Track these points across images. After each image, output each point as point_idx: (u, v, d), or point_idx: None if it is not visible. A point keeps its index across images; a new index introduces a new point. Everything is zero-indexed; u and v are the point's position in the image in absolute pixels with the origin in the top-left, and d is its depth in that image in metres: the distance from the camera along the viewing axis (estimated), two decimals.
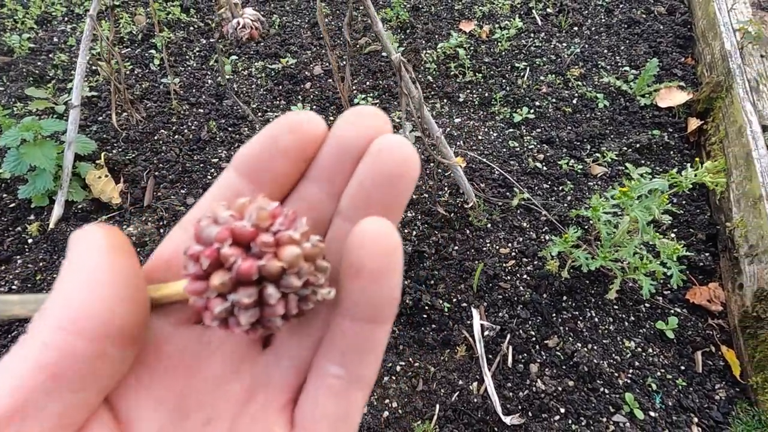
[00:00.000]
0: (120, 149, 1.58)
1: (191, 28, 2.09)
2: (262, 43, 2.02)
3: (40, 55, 1.94)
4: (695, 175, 0.97)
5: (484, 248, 1.32)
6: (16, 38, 1.94)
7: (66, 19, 2.15)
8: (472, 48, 1.96)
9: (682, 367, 1.11)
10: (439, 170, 1.49)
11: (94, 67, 1.86)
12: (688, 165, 1.00)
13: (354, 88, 1.84)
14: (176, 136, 1.64)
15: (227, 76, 1.87)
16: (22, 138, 1.31)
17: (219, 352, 0.21)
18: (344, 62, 0.88)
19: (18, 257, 1.31)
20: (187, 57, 1.96)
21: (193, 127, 1.67)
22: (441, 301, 1.21)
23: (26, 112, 1.67)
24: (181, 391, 0.20)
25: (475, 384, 1.09)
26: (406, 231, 1.36)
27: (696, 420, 1.02)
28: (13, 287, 1.23)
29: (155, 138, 1.63)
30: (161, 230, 1.38)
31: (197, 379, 0.21)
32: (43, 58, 1.92)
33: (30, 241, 1.35)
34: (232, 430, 0.20)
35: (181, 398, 0.20)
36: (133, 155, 1.57)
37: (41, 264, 1.29)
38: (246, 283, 0.19)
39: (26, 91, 1.68)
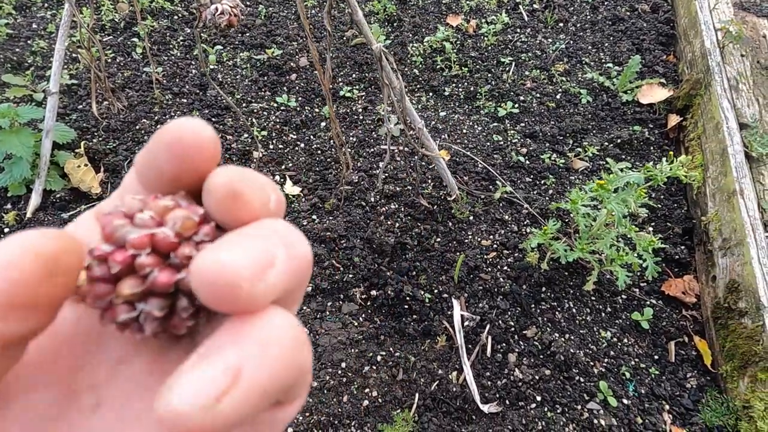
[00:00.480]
0: (101, 138, 1.56)
1: (175, 17, 2.06)
2: (247, 33, 2.00)
3: (19, 41, 1.89)
4: (670, 169, 0.99)
5: (466, 240, 1.33)
6: None
7: (46, 5, 2.10)
8: (458, 42, 1.97)
9: (656, 357, 1.14)
10: (423, 163, 1.50)
11: (74, 55, 1.82)
12: (663, 159, 1.02)
13: (340, 80, 1.84)
14: (158, 126, 1.61)
15: (211, 66, 1.85)
16: None
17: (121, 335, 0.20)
18: (327, 51, 0.88)
19: None
20: (171, 46, 1.93)
21: (176, 117, 1.65)
22: (422, 292, 1.22)
23: (3, 99, 1.63)
24: (75, 372, 0.19)
25: (454, 373, 1.10)
26: (389, 222, 1.36)
27: (667, 407, 1.05)
28: None
29: (137, 128, 1.60)
30: None
31: (96, 359, 0.19)
32: (22, 45, 1.88)
33: (6, 230, 1.33)
34: (121, 415, 0.18)
35: (74, 380, 0.19)
36: (114, 144, 1.55)
37: None
38: (159, 294, 0.18)
39: (3, 78, 1.64)
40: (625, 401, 1.04)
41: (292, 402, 0.19)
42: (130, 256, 0.17)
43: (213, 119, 1.66)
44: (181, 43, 1.95)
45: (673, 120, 1.65)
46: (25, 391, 0.18)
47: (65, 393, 0.19)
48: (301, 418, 1.03)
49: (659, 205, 1.42)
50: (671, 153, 1.07)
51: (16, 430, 0.18)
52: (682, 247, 1.35)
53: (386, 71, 0.91)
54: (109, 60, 1.83)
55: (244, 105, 1.72)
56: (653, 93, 1.73)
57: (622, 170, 1.13)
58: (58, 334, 0.19)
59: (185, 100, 1.71)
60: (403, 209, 1.40)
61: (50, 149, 1.36)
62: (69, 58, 1.81)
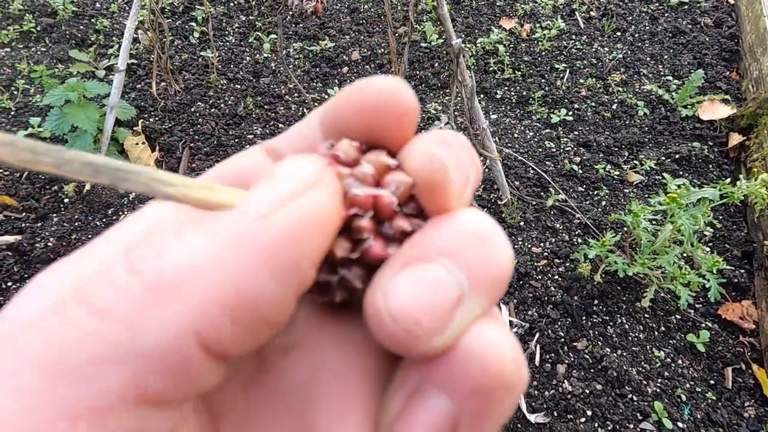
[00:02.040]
0: (157, 118, 1.59)
1: (231, 4, 2.09)
2: (301, 25, 2.01)
3: (83, 19, 1.95)
4: (748, 188, 0.95)
5: (516, 246, 1.31)
6: (60, 1, 1.96)
7: None
8: (511, 45, 1.94)
9: (712, 382, 1.10)
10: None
11: (134, 36, 1.87)
12: (741, 177, 0.98)
13: (391, 76, 1.83)
14: (213, 110, 1.64)
15: (265, 54, 1.87)
16: (67, 98, 1.32)
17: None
18: (407, 45, 0.87)
19: (54, 215, 1.32)
20: (227, 32, 1.96)
21: (229, 102, 1.68)
22: None
23: (67, 74, 1.68)
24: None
25: None
26: None
27: None
28: (49, 244, 1.25)
29: (192, 110, 1.63)
30: None
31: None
32: (86, 23, 1.93)
33: (66, 200, 1.37)
34: (317, 368, 0.16)
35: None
36: (170, 125, 1.58)
37: (77, 224, 1.30)
38: (364, 264, 0.16)
39: (70, 53, 1.69)
40: (680, 425, 1.01)
41: None
42: (351, 215, 0.15)
43: (265, 106, 1.68)
44: (236, 30, 1.98)
45: (735, 139, 1.59)
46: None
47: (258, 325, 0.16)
48: None
49: (719, 226, 1.37)
50: (754, 170, 1.03)
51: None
52: (742, 271, 1.29)
53: (462, 67, 0.90)
54: (168, 43, 1.87)
55: (296, 95, 1.73)
56: (715, 110, 1.68)
57: (680, 187, 1.10)
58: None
59: (239, 86, 1.74)
60: None
61: (112, 125, 1.40)
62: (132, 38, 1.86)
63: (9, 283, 1.18)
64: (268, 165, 0.20)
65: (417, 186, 0.16)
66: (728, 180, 1.23)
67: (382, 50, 1.91)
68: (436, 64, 1.88)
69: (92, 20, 1.94)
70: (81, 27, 1.90)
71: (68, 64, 1.73)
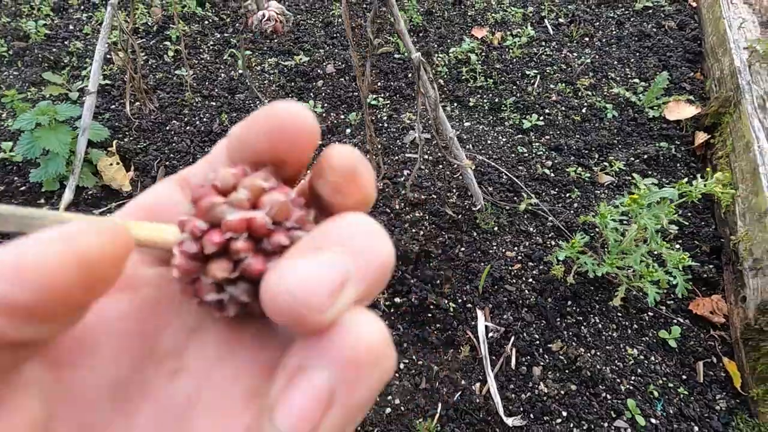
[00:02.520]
0: (132, 138, 1.59)
1: (206, 22, 2.11)
2: (275, 40, 2.03)
3: (56, 41, 1.95)
4: (705, 186, 0.98)
5: (491, 251, 1.33)
6: (32, 24, 1.96)
7: (82, 7, 2.17)
8: (483, 54, 1.98)
9: (684, 377, 1.12)
10: (448, 172, 1.51)
11: (108, 56, 1.87)
12: (698, 176, 1.01)
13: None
14: (188, 128, 1.65)
15: (239, 71, 1.89)
16: (37, 122, 1.32)
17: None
18: (363, 61, 0.90)
19: None
20: (201, 50, 1.97)
21: (205, 119, 1.68)
22: (446, 301, 1.21)
23: (40, 96, 1.68)
24: (157, 336, 0.18)
25: (477, 384, 1.09)
26: (413, 230, 1.37)
27: (696, 429, 1.03)
28: None
29: (167, 128, 1.64)
30: None
31: (175, 324, 0.19)
32: (59, 45, 1.93)
33: None
34: (201, 383, 0.18)
35: (156, 344, 0.18)
36: (145, 144, 1.58)
37: None
38: (248, 280, 0.17)
39: (43, 75, 1.69)
40: (653, 421, 1.03)
41: None
42: (226, 240, 0.17)
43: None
44: (211, 47, 1.99)
45: (701, 137, 1.64)
46: (93, 354, 0.17)
47: (146, 356, 0.18)
48: None
49: (687, 223, 1.40)
50: (708, 170, 1.06)
51: (91, 394, 0.17)
52: (710, 266, 1.33)
53: (423, 80, 0.92)
54: (142, 62, 1.87)
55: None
56: (680, 110, 1.72)
57: (655, 186, 1.13)
58: (142, 296, 0.19)
59: (214, 103, 1.75)
60: (427, 217, 1.40)
61: (85, 147, 1.39)
62: (104, 59, 1.86)
63: None
64: (179, 198, 0.21)
65: (324, 187, 0.19)
66: (699, 177, 1.27)
67: (358, 62, 1.94)
68: (409, 75, 1.91)
69: (65, 42, 1.94)
70: (54, 50, 1.90)
71: (41, 87, 1.73)
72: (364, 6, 2.26)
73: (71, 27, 2.04)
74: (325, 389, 0.15)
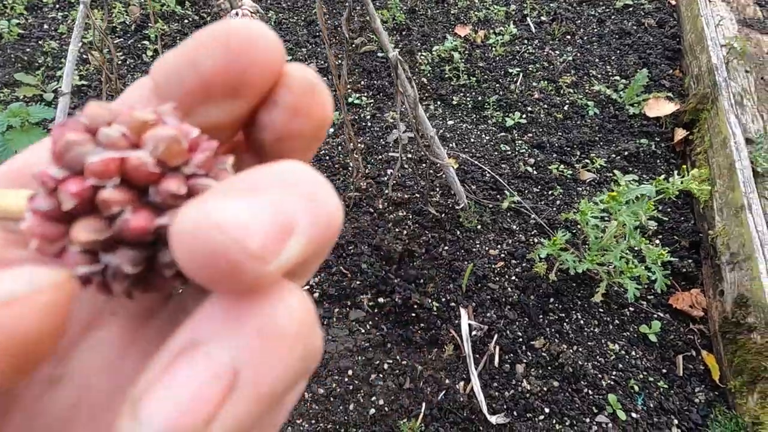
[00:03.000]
0: None
1: (185, 20, 2.07)
2: None
3: (30, 41, 1.90)
4: (681, 182, 0.99)
5: (474, 249, 1.33)
6: (4, 23, 1.90)
7: (57, 6, 2.12)
8: (466, 52, 1.98)
9: (664, 370, 1.13)
10: (431, 171, 1.50)
11: (84, 56, 1.83)
12: (675, 172, 1.02)
13: (349, 87, 1.85)
14: None
15: None
16: (9, 124, 1.28)
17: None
18: (341, 60, 0.89)
19: None
20: None
21: None
22: (430, 300, 1.21)
23: (13, 98, 1.64)
24: None
25: (461, 383, 1.09)
26: (397, 230, 1.36)
27: (676, 422, 1.04)
28: None
29: None
30: None
31: None
32: (33, 45, 1.88)
33: None
34: (84, 396, 0.15)
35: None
36: None
37: None
38: (132, 244, 0.13)
39: (15, 76, 1.65)
40: (634, 415, 1.04)
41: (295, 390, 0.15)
42: (89, 188, 0.13)
43: None
44: None
45: (680, 134, 1.66)
46: None
47: None
48: (307, 426, 1.02)
49: (666, 218, 1.42)
50: (684, 167, 1.08)
51: None
52: (690, 261, 1.35)
53: (401, 79, 0.92)
54: (120, 62, 1.83)
55: None
56: (660, 106, 1.75)
57: (633, 182, 1.14)
58: None
59: None
60: (411, 217, 1.40)
61: None
62: (79, 60, 1.82)
63: None
64: None
65: (297, 94, 0.15)
66: (676, 173, 1.28)
67: (339, 61, 1.93)
68: (405, 67, 1.90)
69: (39, 42, 1.90)
70: (27, 50, 1.85)
71: (14, 88, 1.68)
72: (345, 4, 2.24)
73: (45, 26, 1.99)
74: (226, 368, 0.11)
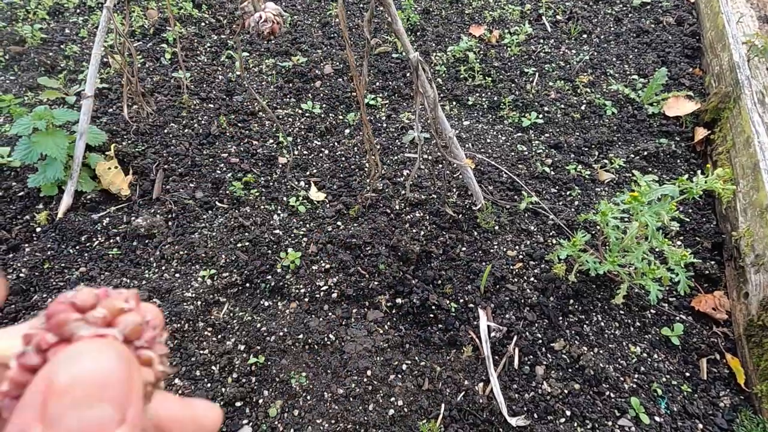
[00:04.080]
0: (130, 141, 1.59)
1: (202, 24, 2.10)
2: (273, 41, 2.03)
3: (52, 45, 1.94)
4: (706, 182, 0.97)
5: (492, 250, 1.33)
6: (28, 28, 1.95)
7: (78, 11, 2.16)
8: (481, 52, 1.97)
9: (687, 374, 1.11)
10: (448, 171, 1.50)
11: (104, 60, 1.86)
12: (699, 172, 1.01)
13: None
14: (186, 130, 1.64)
15: (237, 72, 1.88)
16: (34, 127, 1.31)
17: None
18: (359, 62, 0.89)
19: (26, 245, 1.31)
20: (198, 52, 1.96)
21: (203, 122, 1.68)
22: (448, 301, 1.21)
23: (37, 101, 1.67)
24: None
25: (480, 384, 1.09)
26: (414, 230, 1.36)
27: (701, 426, 1.02)
28: (21, 275, 1.23)
29: (165, 131, 1.63)
30: (169, 223, 1.39)
31: None
32: (55, 49, 1.92)
33: (38, 229, 1.35)
34: None
35: None
36: (143, 148, 1.57)
37: (49, 253, 1.29)
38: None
39: (39, 80, 1.68)
40: (657, 419, 1.02)
41: None
42: None
43: (239, 124, 1.69)
44: (208, 49, 1.98)
45: (701, 133, 1.63)
46: None
47: None
48: (327, 425, 1.02)
49: (688, 219, 1.40)
50: (707, 166, 1.06)
51: None
52: (712, 262, 1.32)
53: (422, 80, 0.92)
54: (139, 65, 1.86)
55: (268, 112, 1.74)
56: (679, 106, 1.72)
57: (654, 183, 1.12)
58: None
59: (212, 105, 1.74)
60: (428, 217, 1.39)
61: (83, 151, 1.39)
62: (100, 63, 1.85)
63: None
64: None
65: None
66: (699, 173, 1.26)
67: (355, 63, 1.94)
68: (408, 74, 1.90)
69: (61, 46, 1.94)
70: (50, 54, 1.89)
71: (38, 91, 1.72)
72: (362, 6, 2.25)
73: (67, 31, 2.03)
74: None
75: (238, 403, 1.05)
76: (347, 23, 2.13)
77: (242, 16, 0.82)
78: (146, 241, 1.33)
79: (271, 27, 0.81)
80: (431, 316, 1.19)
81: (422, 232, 1.36)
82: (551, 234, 1.38)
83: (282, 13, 0.83)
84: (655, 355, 1.14)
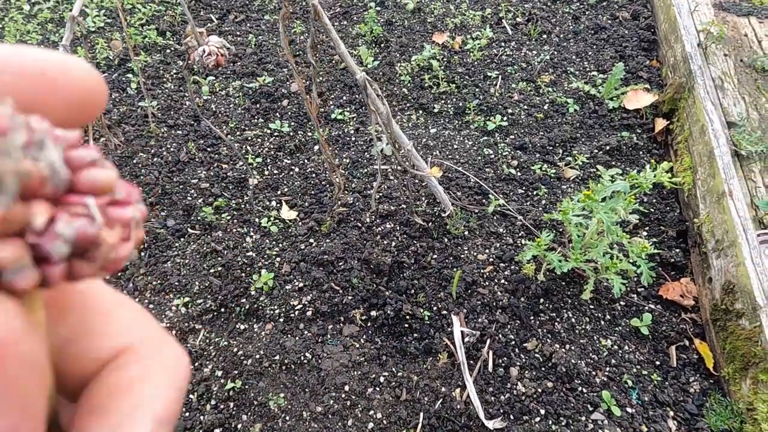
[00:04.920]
0: None
1: (167, 50, 2.11)
2: (238, 63, 2.04)
3: None
4: (654, 176, 1.01)
5: (462, 255, 1.35)
6: None
7: (42, 46, 2.16)
8: (445, 59, 2.01)
9: (657, 363, 1.14)
10: (416, 181, 1.52)
11: None
12: (646, 166, 1.04)
13: (331, 102, 1.87)
14: (155, 159, 1.65)
15: (204, 97, 1.89)
16: None
17: None
18: (313, 81, 0.91)
19: None
20: (165, 79, 1.97)
21: (171, 149, 1.68)
22: (422, 310, 1.23)
23: None
24: None
25: (457, 390, 1.10)
26: (385, 242, 1.38)
27: (672, 413, 1.04)
28: None
29: (134, 162, 1.63)
30: (142, 253, 1.39)
31: None
32: None
33: None
34: None
35: None
36: None
37: None
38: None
39: None
40: (629, 410, 1.04)
41: None
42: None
43: (208, 149, 1.70)
44: (175, 76, 2.00)
45: (660, 124, 1.68)
46: None
47: None
48: None
49: (652, 209, 1.43)
50: (653, 161, 1.09)
51: None
52: (678, 250, 1.35)
53: (371, 98, 0.94)
54: None
55: (238, 133, 1.75)
56: (639, 98, 1.76)
57: (613, 177, 1.15)
58: None
59: (180, 132, 1.75)
60: (398, 228, 1.41)
61: None
62: None
63: None
64: None
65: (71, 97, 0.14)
66: (647, 167, 1.29)
67: (321, 79, 1.96)
68: (374, 86, 1.92)
69: None
70: None
71: None
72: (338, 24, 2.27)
73: None
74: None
75: (217, 431, 1.05)
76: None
77: (187, 50, 0.84)
78: (119, 274, 1.33)
79: (215, 60, 0.83)
80: (406, 326, 1.21)
81: (393, 243, 1.38)
82: (520, 235, 1.40)
83: (225, 44, 0.85)
84: (626, 347, 1.16)
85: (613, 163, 1.59)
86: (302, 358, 1.15)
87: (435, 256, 1.35)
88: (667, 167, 0.96)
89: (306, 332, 1.21)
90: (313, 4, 0.75)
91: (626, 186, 1.00)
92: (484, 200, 1.49)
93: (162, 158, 1.65)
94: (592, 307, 1.24)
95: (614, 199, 1.04)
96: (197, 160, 1.65)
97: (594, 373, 1.11)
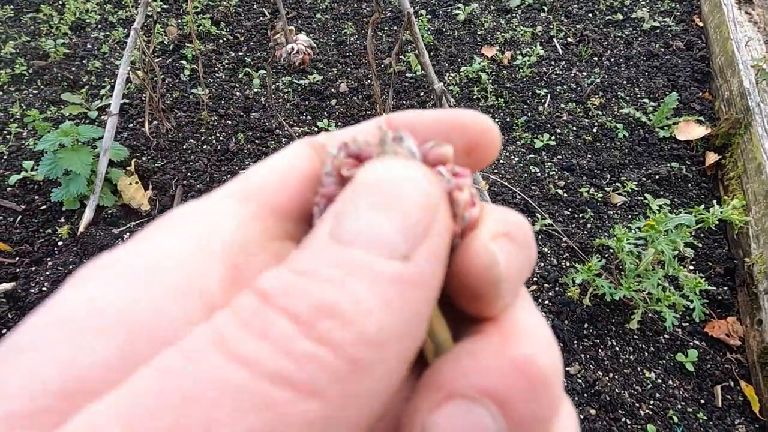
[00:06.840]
0: (150, 157, 1.62)
1: (221, 41, 2.14)
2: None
3: (74, 60, 1.99)
4: (722, 213, 0.99)
5: None
6: (51, 43, 1.99)
7: (99, 26, 2.21)
8: (494, 73, 2.01)
9: (702, 401, 1.12)
10: None
11: (126, 76, 1.90)
12: (715, 202, 1.03)
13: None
14: (205, 146, 1.67)
15: (255, 89, 1.92)
16: (60, 143, 1.34)
17: None
18: (379, 84, 0.92)
19: (48, 259, 1.33)
20: (216, 69, 2.00)
21: (221, 138, 1.71)
22: None
23: (59, 116, 1.71)
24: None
25: None
26: None
27: None
28: (44, 289, 1.25)
29: (184, 147, 1.66)
30: None
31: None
32: (77, 64, 1.97)
33: (60, 243, 1.38)
34: None
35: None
36: (163, 163, 1.60)
37: (71, 267, 1.31)
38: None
39: (62, 96, 1.72)
40: None
41: None
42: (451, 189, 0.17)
43: (257, 141, 1.72)
44: (226, 66, 2.03)
45: (711, 158, 1.65)
46: None
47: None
48: None
49: (700, 245, 1.41)
50: (725, 198, 1.08)
51: None
52: (725, 288, 1.33)
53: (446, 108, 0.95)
54: (159, 82, 1.90)
55: (285, 128, 1.77)
56: (690, 130, 1.74)
57: (661, 207, 1.14)
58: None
59: (230, 122, 1.77)
60: None
61: (106, 167, 1.42)
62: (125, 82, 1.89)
63: (3, 330, 1.18)
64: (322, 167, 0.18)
65: (462, 286, 0.15)
66: (710, 199, 1.28)
67: (369, 81, 1.97)
68: (422, 94, 1.93)
69: (84, 62, 1.98)
70: (73, 69, 1.93)
71: (60, 106, 1.76)
72: (382, 30, 2.29)
73: (89, 46, 2.08)
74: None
75: None
76: (360, 43, 2.17)
77: (274, 47, 0.85)
78: None
79: (302, 58, 0.84)
80: None
81: None
82: (565, 256, 1.39)
83: (312, 44, 0.86)
84: (670, 381, 1.15)
85: (662, 192, 1.58)
86: None
87: None
88: (738, 205, 0.95)
89: None
90: (408, 12, 0.75)
91: (692, 220, 0.99)
92: (529, 218, 1.48)
93: (211, 146, 1.68)
94: (636, 337, 1.22)
95: (676, 232, 1.03)
96: (245, 151, 1.67)
97: (638, 405, 1.09)
